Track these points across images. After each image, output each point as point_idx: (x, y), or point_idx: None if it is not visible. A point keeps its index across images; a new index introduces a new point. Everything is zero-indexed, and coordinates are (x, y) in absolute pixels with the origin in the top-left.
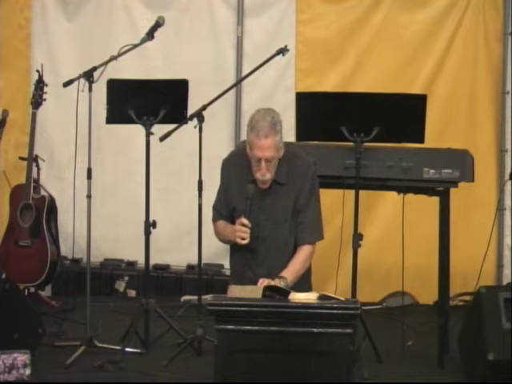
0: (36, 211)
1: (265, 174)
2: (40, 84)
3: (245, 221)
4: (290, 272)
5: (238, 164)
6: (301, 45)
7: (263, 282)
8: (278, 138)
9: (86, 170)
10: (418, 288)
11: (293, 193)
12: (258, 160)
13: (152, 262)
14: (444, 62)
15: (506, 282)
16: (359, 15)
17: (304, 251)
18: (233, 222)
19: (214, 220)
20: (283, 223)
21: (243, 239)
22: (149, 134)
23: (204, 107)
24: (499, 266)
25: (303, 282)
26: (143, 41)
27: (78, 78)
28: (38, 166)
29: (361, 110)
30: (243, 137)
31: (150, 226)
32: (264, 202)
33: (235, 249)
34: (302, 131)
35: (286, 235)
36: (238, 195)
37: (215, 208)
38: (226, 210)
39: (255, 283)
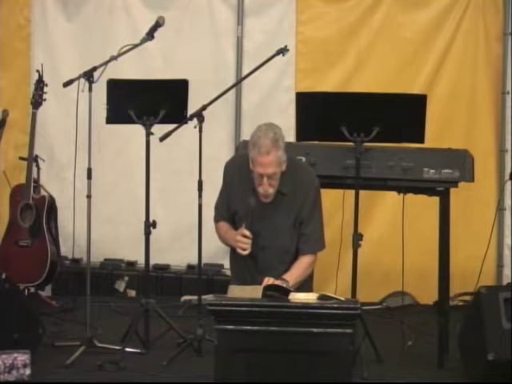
0: (36, 211)
1: (267, 190)
2: (40, 84)
3: (246, 232)
4: (293, 276)
5: (240, 168)
6: (301, 45)
7: (268, 281)
8: (280, 154)
9: (86, 170)
10: (417, 288)
11: (296, 204)
12: (261, 176)
13: (152, 261)
14: (444, 62)
15: (506, 282)
16: (359, 15)
17: (305, 259)
18: (234, 224)
19: (216, 220)
20: (284, 232)
21: (244, 250)
22: (149, 134)
23: (204, 107)
24: (499, 266)
25: (304, 287)
26: (143, 41)
27: (78, 78)
28: (38, 165)
29: (361, 110)
30: (243, 137)
31: (149, 226)
32: (266, 212)
33: (236, 252)
34: (302, 131)
35: (286, 244)
36: (239, 200)
37: (217, 208)
38: (227, 213)
39: (256, 284)
